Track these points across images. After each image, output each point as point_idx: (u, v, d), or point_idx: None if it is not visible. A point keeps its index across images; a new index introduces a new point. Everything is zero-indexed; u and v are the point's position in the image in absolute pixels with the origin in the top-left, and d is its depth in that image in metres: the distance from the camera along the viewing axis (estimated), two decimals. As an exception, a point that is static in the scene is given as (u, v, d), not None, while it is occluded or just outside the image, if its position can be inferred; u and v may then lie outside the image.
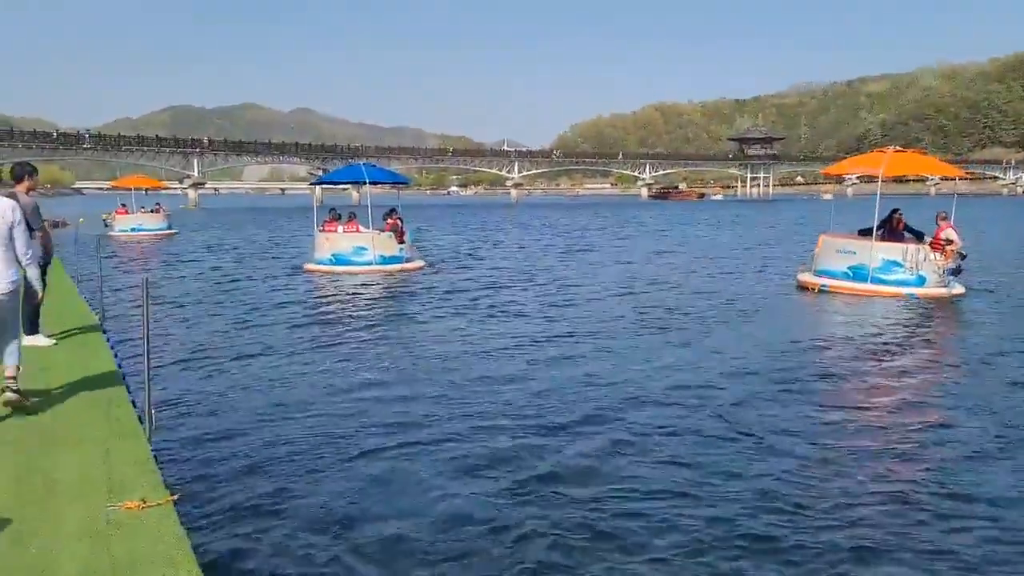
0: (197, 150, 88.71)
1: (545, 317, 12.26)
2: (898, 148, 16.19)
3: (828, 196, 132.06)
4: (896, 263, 13.63)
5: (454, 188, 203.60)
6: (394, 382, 7.88)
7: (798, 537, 4.47)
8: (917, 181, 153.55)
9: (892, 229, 14.35)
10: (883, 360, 9.08)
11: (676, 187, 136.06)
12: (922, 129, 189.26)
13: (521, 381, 7.96)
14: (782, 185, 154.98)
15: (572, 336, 10.59)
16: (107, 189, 53.77)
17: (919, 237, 14.23)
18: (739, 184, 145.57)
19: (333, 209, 19.09)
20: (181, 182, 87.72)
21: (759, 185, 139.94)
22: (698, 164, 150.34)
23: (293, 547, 4.31)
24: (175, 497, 3.62)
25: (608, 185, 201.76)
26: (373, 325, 11.49)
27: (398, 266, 18.08)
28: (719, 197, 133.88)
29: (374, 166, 20.41)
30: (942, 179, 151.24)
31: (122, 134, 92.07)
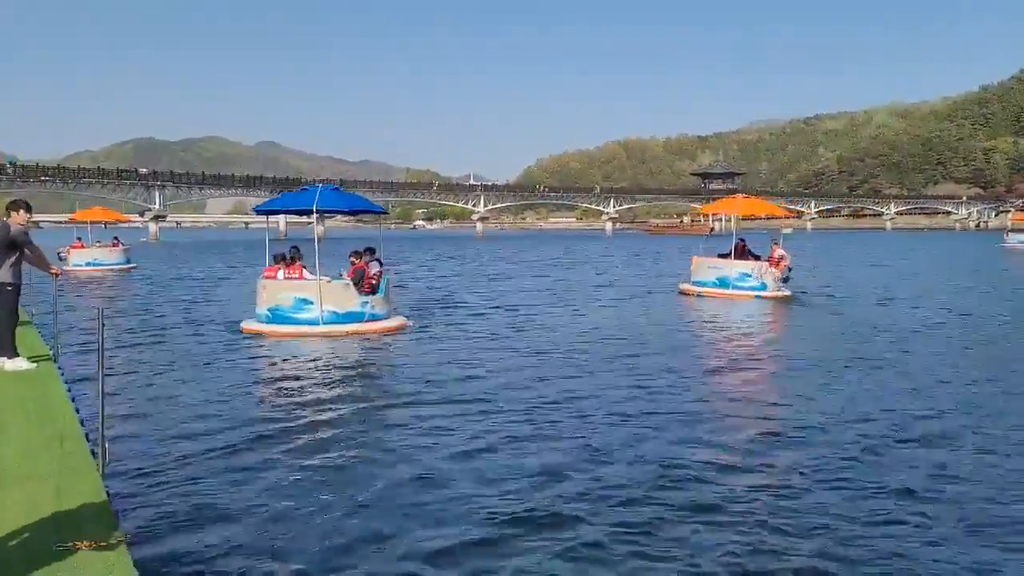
0: (159, 183, 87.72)
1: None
2: (746, 195, 24.84)
3: (788, 230, 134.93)
4: (747, 275, 19.30)
5: (420, 222, 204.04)
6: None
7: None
8: (873, 216, 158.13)
9: (740, 253, 20.04)
10: (741, 334, 13.84)
11: (681, 220, 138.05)
12: (877, 165, 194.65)
13: None
14: (744, 219, 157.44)
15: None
16: (65, 222, 52.02)
17: (757, 257, 19.90)
18: (702, 218, 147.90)
19: (295, 247, 14.12)
20: (142, 215, 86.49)
21: (720, 220, 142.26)
22: (662, 198, 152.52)
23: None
24: (128, 537, 3.46)
25: (574, 219, 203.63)
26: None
27: (354, 326, 12.91)
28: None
29: (336, 189, 14.56)
30: (897, 214, 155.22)
31: (82, 167, 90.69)
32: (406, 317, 14.28)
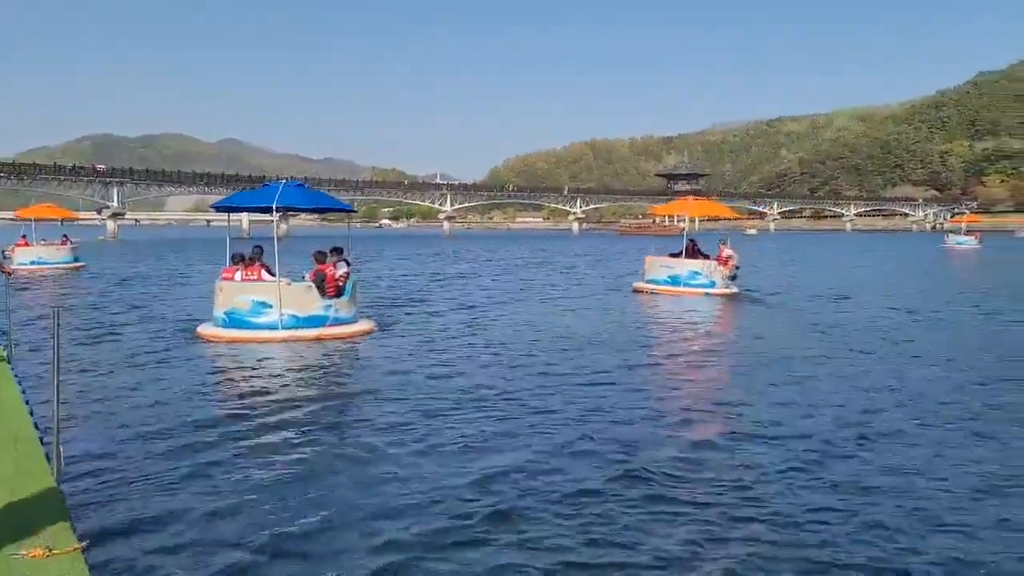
0: (117, 180, 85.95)
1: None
2: (696, 197, 27.66)
3: (752, 231, 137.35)
4: (697, 273, 20.25)
5: (386, 221, 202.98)
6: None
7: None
8: (833, 217, 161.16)
9: (690, 252, 20.99)
10: (693, 330, 14.43)
11: (653, 220, 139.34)
12: (837, 167, 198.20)
13: None
14: (708, 220, 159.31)
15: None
16: (12, 219, 50.02)
17: (706, 257, 20.78)
18: (666, 219, 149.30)
19: (258, 247, 13.24)
20: (100, 212, 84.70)
21: (685, 220, 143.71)
22: (628, 199, 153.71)
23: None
24: (84, 545, 3.37)
25: (541, 219, 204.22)
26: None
27: (316, 331, 12.22)
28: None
29: (301, 186, 13.92)
30: (856, 216, 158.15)
31: (38, 163, 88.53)
32: (373, 320, 13.78)
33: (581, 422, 7.30)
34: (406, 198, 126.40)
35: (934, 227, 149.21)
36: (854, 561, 4.35)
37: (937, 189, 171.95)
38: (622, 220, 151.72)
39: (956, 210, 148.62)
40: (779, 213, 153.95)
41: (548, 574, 4.20)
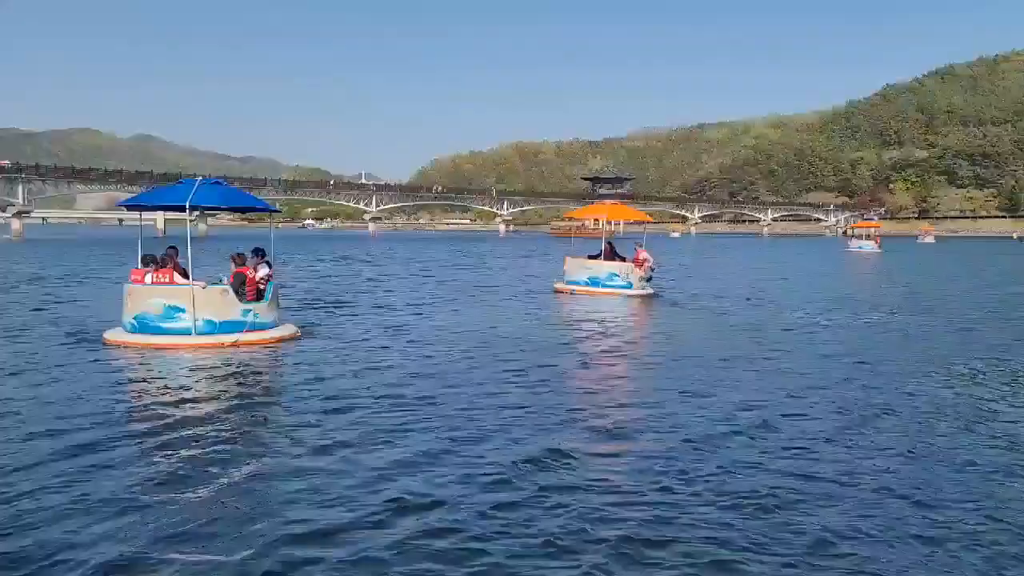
0: (23, 176, 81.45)
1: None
2: (613, 202, 30.12)
3: (676, 234, 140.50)
4: (616, 275, 20.99)
5: (310, 221, 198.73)
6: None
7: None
8: (752, 222, 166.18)
9: (608, 254, 21.61)
10: (612, 327, 14.86)
11: (583, 224, 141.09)
12: (756, 173, 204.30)
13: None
14: (635, 223, 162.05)
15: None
16: None
17: (623, 259, 21.43)
18: (597, 222, 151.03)
19: (173, 247, 12.54)
20: (4, 210, 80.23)
21: (610, 224, 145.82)
22: (554, 202, 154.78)
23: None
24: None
25: (468, 221, 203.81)
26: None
27: (233, 336, 11.53)
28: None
29: (219, 183, 13.11)
30: (774, 220, 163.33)
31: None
32: (296, 325, 13.23)
33: (498, 420, 7.44)
34: (331, 198, 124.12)
35: (845, 232, 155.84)
36: (735, 547, 4.59)
37: (848, 195, 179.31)
38: (553, 222, 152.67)
39: (866, 216, 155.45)
40: (700, 217, 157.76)
41: (456, 562, 4.34)
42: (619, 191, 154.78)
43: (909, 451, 6.70)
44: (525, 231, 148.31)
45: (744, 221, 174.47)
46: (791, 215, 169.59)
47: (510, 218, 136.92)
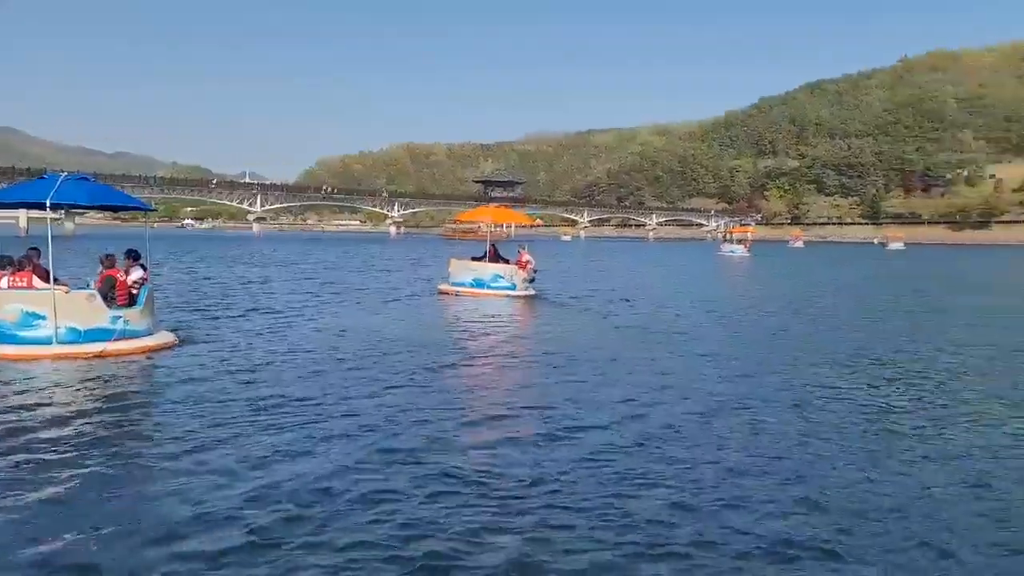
0: None
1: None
2: (497, 205, 33.80)
3: (567, 237, 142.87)
4: (500, 276, 21.14)
5: (189, 221, 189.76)
6: None
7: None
8: (638, 226, 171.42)
9: (492, 257, 21.93)
10: (496, 328, 14.97)
11: (478, 227, 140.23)
12: (642, 179, 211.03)
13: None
14: (524, 227, 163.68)
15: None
16: None
17: (507, 261, 21.77)
18: (486, 225, 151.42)
19: (35, 248, 11.33)
20: None
21: (502, 227, 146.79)
22: (446, 204, 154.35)
23: None
24: None
25: (357, 222, 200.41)
26: None
27: (101, 346, 10.47)
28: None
29: (86, 179, 11.93)
30: (659, 225, 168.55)
31: None
32: (172, 332, 12.04)
33: (381, 423, 7.29)
34: (212, 197, 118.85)
35: (724, 236, 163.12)
36: (580, 534, 4.80)
37: (728, 202, 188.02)
38: (446, 224, 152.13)
39: (743, 221, 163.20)
40: (590, 221, 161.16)
41: (341, 570, 4.28)
42: (511, 194, 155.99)
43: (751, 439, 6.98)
44: (417, 233, 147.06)
45: (631, 225, 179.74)
46: (675, 220, 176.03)
47: (401, 220, 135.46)
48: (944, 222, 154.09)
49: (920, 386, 9.75)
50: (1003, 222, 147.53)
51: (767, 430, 7.39)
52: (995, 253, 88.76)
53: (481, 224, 51.25)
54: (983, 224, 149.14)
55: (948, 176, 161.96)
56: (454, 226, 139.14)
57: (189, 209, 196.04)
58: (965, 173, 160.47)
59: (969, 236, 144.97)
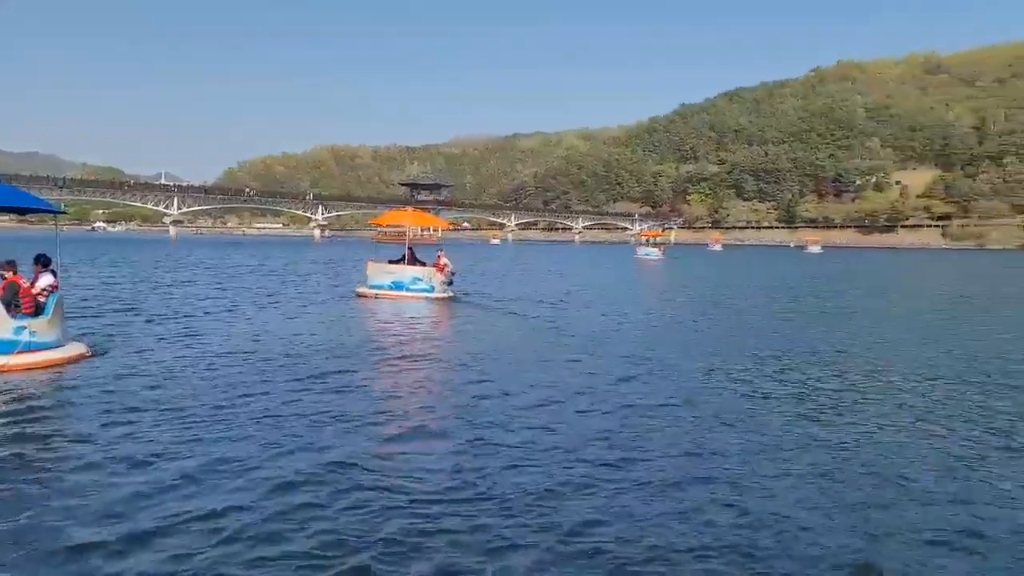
0: None
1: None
2: (415, 208, 30.89)
3: (495, 241, 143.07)
4: (419, 278, 21.51)
5: (101, 223, 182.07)
6: None
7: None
8: (564, 230, 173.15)
9: (410, 260, 22.25)
10: (419, 326, 15.76)
11: (409, 229, 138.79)
12: (568, 183, 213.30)
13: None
14: (452, 230, 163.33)
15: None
16: None
17: (424, 263, 22.18)
18: (420, 230, 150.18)
19: None
20: None
21: (429, 231, 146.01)
22: (372, 207, 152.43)
23: None
24: None
25: (280, 225, 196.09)
26: None
27: (2, 360, 9.69)
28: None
29: None
30: (585, 228, 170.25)
31: None
32: (84, 342, 11.32)
33: (297, 429, 7.22)
34: (127, 199, 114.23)
35: (640, 241, 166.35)
36: (504, 540, 4.85)
37: (651, 206, 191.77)
38: (379, 227, 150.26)
39: (666, 225, 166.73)
40: (517, 224, 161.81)
41: (252, 565, 4.35)
42: (438, 197, 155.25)
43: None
44: (342, 236, 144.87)
45: (558, 229, 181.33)
46: (600, 224, 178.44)
47: (325, 223, 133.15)
48: (854, 226, 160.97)
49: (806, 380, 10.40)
50: (908, 226, 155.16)
51: (667, 427, 7.68)
52: (901, 256, 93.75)
53: (411, 228, 51.27)
54: (890, 228, 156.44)
55: (858, 182, 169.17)
56: (386, 229, 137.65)
57: (101, 212, 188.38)
58: (873, 179, 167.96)
59: (878, 239, 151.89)
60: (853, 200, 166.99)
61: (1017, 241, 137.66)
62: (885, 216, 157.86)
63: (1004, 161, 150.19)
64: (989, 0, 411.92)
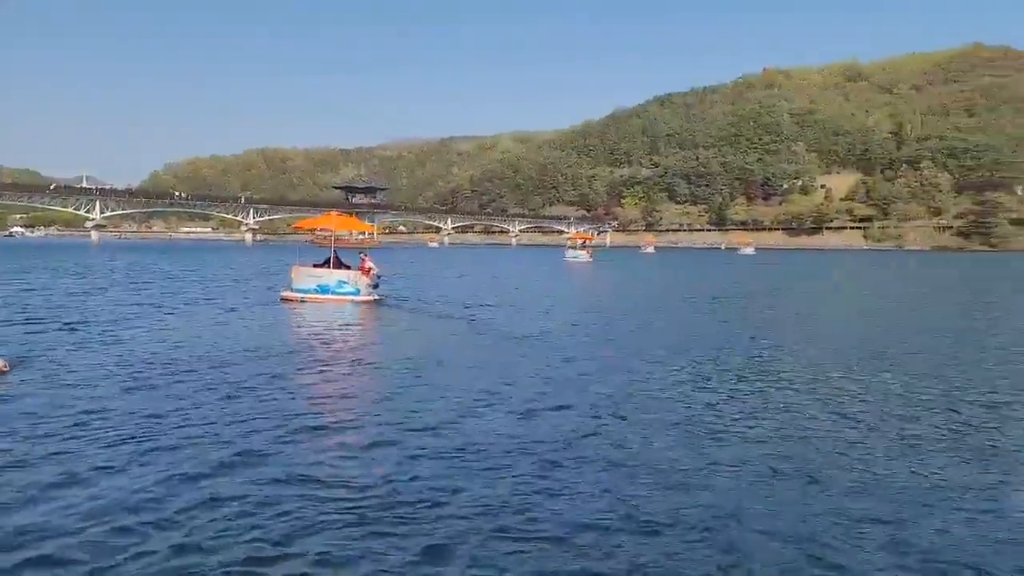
0: None
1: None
2: (340, 212, 28.71)
3: (434, 244, 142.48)
4: (344, 282, 21.76)
5: (18, 228, 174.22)
6: None
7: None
8: (502, 232, 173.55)
9: (335, 263, 22.44)
10: (346, 329, 15.96)
11: (350, 233, 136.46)
12: (503, 186, 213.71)
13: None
14: (388, 234, 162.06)
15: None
16: None
17: (348, 267, 22.37)
18: (360, 233, 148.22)
19: None
20: None
21: (364, 235, 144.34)
22: (305, 210, 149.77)
23: None
24: None
25: (209, 229, 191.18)
26: None
27: None
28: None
29: None
30: (521, 231, 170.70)
31: None
32: (1, 357, 10.58)
33: (219, 433, 7.19)
34: (45, 203, 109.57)
35: (568, 244, 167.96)
36: (442, 536, 4.99)
37: (587, 209, 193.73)
38: (317, 231, 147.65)
39: (601, 228, 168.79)
40: (453, 228, 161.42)
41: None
42: (373, 200, 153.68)
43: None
44: (274, 240, 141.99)
45: (495, 232, 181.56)
46: (536, 227, 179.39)
47: (257, 227, 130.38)
48: (783, 228, 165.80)
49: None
50: (832, 228, 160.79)
51: (593, 421, 7.98)
52: (827, 256, 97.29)
53: (352, 232, 51.13)
54: (816, 230, 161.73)
55: (785, 185, 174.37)
56: (326, 233, 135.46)
57: (18, 216, 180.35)
58: (799, 183, 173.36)
59: (805, 241, 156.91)
60: (781, 203, 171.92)
61: (932, 242, 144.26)
62: (811, 219, 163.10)
63: (921, 165, 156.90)
64: (906, 9, 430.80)
